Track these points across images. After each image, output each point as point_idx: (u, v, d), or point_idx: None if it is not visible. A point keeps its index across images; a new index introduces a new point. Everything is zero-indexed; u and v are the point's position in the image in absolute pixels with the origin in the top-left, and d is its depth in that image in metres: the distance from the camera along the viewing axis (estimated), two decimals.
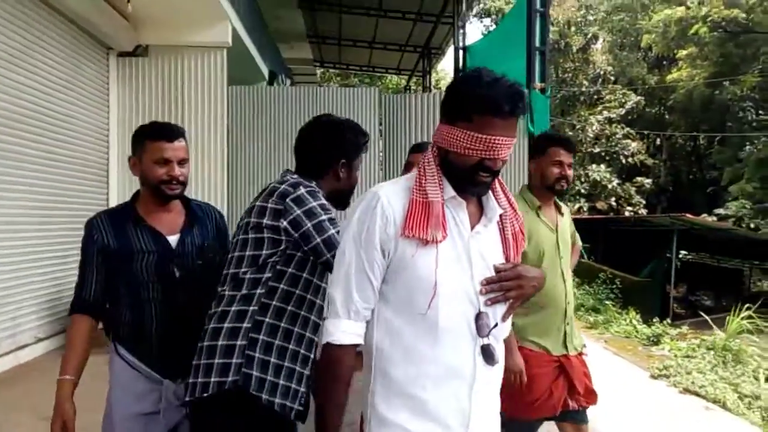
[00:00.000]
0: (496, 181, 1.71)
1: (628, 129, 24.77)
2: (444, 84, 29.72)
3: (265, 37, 13.96)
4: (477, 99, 1.54)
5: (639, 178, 24.17)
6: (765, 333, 9.27)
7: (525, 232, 1.80)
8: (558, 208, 3.22)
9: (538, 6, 8.75)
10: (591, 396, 3.15)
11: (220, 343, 1.98)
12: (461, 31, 13.52)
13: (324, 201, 2.07)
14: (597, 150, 24.40)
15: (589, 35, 28.02)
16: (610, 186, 23.19)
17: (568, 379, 3.07)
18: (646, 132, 25.07)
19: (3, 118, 6.07)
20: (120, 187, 8.53)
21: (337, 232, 1.98)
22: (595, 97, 26.83)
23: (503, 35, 10.89)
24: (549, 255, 3.06)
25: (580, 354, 3.18)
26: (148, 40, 8.63)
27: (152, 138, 2.29)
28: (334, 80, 33.90)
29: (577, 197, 25.37)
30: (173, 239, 2.33)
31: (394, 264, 1.62)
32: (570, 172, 3.11)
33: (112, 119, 8.49)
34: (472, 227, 1.67)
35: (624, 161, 24.26)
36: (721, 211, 21.90)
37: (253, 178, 9.02)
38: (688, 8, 22.83)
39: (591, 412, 3.23)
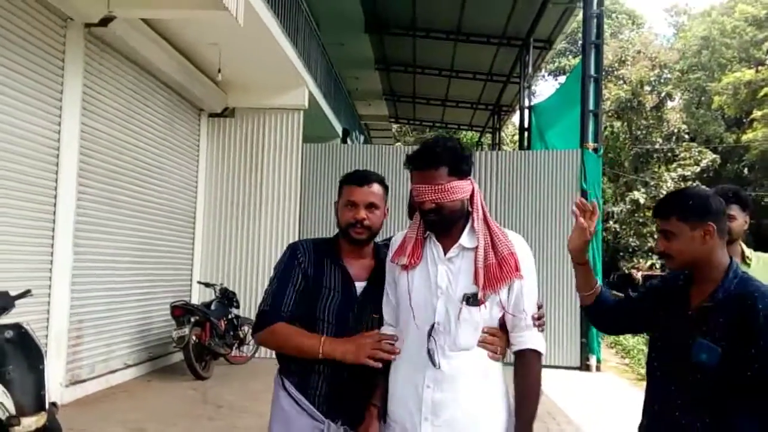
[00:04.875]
0: (481, 222, 2.08)
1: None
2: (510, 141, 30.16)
3: (341, 96, 15.01)
4: (407, 160, 2.11)
5: None
6: None
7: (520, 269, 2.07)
8: (744, 258, 3.17)
9: (592, 72, 9.27)
10: None
11: None
12: (527, 91, 14.13)
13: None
14: None
15: (663, 94, 27.91)
16: None
17: None
18: None
19: (105, 170, 7.03)
20: (205, 231, 9.53)
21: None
22: (670, 154, 26.61)
23: (564, 97, 11.41)
24: None
25: None
26: (235, 103, 9.77)
27: (347, 182, 2.35)
28: (410, 135, 34.91)
29: (649, 254, 25.04)
30: (359, 285, 2.34)
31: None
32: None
33: (200, 172, 9.54)
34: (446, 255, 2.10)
35: None
36: None
37: (323, 230, 9.67)
38: (758, 71, 22.60)
39: None
